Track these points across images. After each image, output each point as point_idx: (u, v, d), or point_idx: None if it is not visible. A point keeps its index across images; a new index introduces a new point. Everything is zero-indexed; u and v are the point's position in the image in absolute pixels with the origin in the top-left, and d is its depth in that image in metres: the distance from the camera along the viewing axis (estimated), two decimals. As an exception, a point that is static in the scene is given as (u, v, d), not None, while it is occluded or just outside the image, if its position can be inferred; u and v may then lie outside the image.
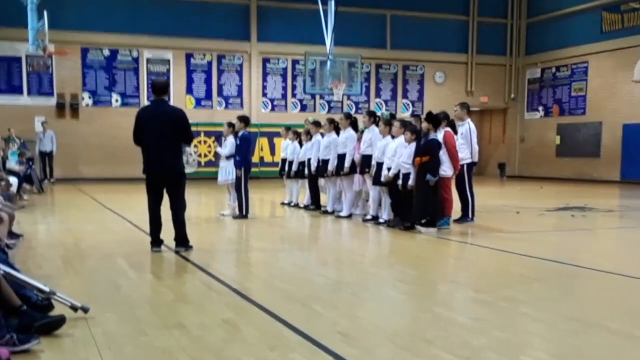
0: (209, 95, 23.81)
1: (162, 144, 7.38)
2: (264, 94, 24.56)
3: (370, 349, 4.01)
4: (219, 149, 11.66)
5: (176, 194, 7.54)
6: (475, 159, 10.59)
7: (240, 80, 24.24)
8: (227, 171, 11.30)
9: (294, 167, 12.95)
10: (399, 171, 9.54)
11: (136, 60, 22.97)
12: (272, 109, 24.65)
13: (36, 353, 3.88)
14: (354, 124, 11.30)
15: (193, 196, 7.81)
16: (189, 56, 23.55)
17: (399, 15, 25.61)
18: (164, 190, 7.55)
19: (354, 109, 24.65)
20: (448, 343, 4.10)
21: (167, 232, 7.61)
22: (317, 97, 24.85)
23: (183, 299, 5.44)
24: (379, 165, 10.01)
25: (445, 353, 3.90)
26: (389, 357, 3.87)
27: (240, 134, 10.99)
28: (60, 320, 4.32)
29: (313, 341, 4.11)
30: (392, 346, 4.08)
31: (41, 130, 20.67)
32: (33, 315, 4.28)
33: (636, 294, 5.87)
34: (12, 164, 14.13)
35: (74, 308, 4.61)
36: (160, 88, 7.63)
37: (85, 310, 4.63)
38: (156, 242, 7.55)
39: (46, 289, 4.57)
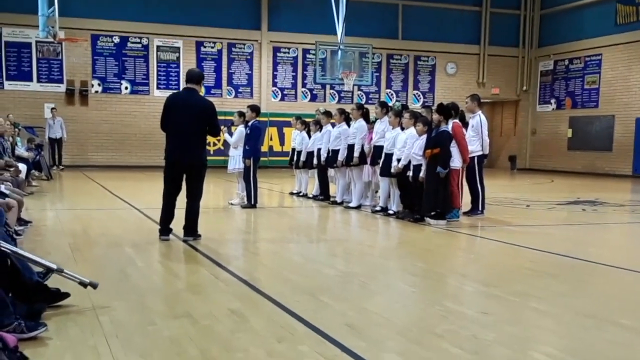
0: (218, 84, 23.79)
1: (188, 134, 7.32)
2: (274, 83, 24.51)
3: (378, 342, 3.98)
4: (227, 137, 11.61)
5: (196, 184, 7.50)
6: (486, 152, 10.52)
7: (251, 69, 24.19)
8: (236, 160, 11.28)
9: (302, 157, 12.91)
10: (409, 162, 9.48)
11: (146, 47, 22.95)
12: (282, 99, 24.60)
13: (44, 340, 3.87)
14: (365, 115, 11.24)
15: (202, 185, 7.77)
16: (199, 44, 23.52)
17: (411, 6, 25.45)
18: (183, 181, 7.52)
19: (364, 100, 24.53)
20: (457, 337, 4.06)
21: (176, 221, 7.59)
22: (328, 87, 24.78)
23: (191, 288, 5.42)
24: (388, 156, 9.95)
25: (453, 347, 3.86)
26: (397, 350, 3.83)
27: (250, 123, 10.97)
28: (65, 294, 4.48)
29: (321, 333, 4.08)
30: (401, 339, 4.04)
31: (50, 117, 20.72)
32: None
33: (648, 290, 5.81)
34: (22, 150, 14.14)
35: (83, 284, 4.62)
36: (192, 77, 7.56)
37: (94, 286, 4.63)
38: (165, 230, 7.53)
39: (53, 266, 4.57)
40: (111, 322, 4.25)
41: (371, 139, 10.78)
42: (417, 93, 26.19)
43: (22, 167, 11.72)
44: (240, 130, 11.17)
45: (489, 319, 4.54)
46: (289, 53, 24.60)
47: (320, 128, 12.33)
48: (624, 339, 4.17)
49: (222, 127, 11.33)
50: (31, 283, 4.43)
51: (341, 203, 11.68)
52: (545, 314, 4.71)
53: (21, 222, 7.86)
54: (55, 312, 4.39)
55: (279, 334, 4.07)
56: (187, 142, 7.36)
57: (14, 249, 4.45)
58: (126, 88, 22.84)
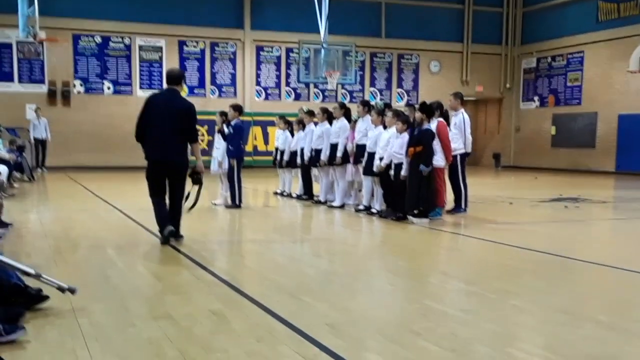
0: (202, 84, 23.71)
1: (170, 134, 7.26)
2: (258, 83, 24.47)
3: (357, 341, 3.99)
4: (218, 139, 11.30)
5: (178, 184, 7.45)
6: (469, 150, 10.57)
7: (234, 68, 24.13)
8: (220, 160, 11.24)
9: (286, 157, 12.91)
10: (391, 161, 9.51)
11: (128, 47, 22.82)
12: (266, 98, 24.57)
13: (22, 344, 3.85)
14: (347, 114, 11.26)
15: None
16: (182, 44, 23.43)
17: (394, 4, 25.50)
18: (166, 179, 7.46)
19: (348, 98, 24.58)
20: (436, 335, 4.08)
21: (154, 221, 7.49)
22: (311, 85, 24.77)
23: (172, 289, 5.40)
24: (371, 155, 9.98)
25: (432, 345, 3.88)
26: (376, 349, 3.85)
27: (233, 122, 10.94)
28: (44, 297, 4.47)
29: (301, 333, 4.09)
30: (380, 338, 4.06)
31: (35, 117, 20.51)
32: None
33: (627, 286, 5.86)
34: (3, 151, 14.02)
35: (61, 289, 4.59)
36: (173, 78, 7.52)
37: (72, 291, 4.60)
38: (166, 223, 7.24)
39: (32, 271, 4.54)
40: (90, 324, 4.23)
41: (353, 137, 10.80)
42: (401, 91, 26.25)
43: (3, 168, 11.64)
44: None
45: (468, 316, 4.57)
46: (272, 52, 24.56)
47: (304, 127, 12.32)
48: (600, 335, 4.21)
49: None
50: (9, 286, 4.40)
51: (325, 202, 11.68)
52: (524, 311, 4.75)
53: (1, 224, 7.81)
54: (34, 314, 4.36)
55: (259, 334, 4.07)
56: (168, 142, 7.31)
57: None
58: (109, 88, 22.70)
